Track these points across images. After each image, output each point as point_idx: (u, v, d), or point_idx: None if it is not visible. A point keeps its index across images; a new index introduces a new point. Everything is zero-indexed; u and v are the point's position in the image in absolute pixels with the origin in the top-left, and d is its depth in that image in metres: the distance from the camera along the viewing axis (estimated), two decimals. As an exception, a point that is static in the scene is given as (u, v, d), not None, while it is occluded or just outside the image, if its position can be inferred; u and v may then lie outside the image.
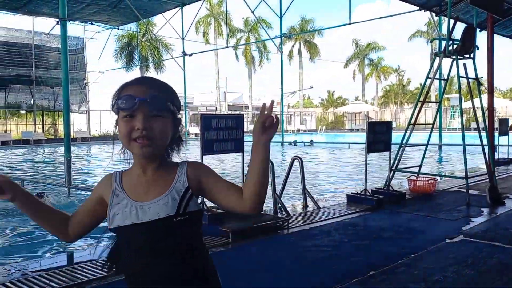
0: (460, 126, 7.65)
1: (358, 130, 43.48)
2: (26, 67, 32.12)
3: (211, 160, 17.38)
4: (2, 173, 13.72)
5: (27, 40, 32.25)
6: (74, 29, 33.32)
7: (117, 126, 1.37)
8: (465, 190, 7.11)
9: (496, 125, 13.55)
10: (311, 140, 26.30)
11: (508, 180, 9.29)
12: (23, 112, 35.63)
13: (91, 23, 25.39)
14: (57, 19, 9.61)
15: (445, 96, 42.00)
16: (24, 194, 1.40)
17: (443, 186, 8.48)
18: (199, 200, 1.44)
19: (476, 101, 7.74)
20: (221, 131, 5.21)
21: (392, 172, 7.47)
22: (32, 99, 32.66)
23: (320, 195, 8.26)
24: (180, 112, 1.44)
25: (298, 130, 44.10)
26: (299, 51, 50.40)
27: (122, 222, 1.33)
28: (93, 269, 3.81)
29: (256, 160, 1.29)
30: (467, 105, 38.78)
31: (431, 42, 36.91)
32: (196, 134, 34.06)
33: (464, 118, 36.21)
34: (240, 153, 5.66)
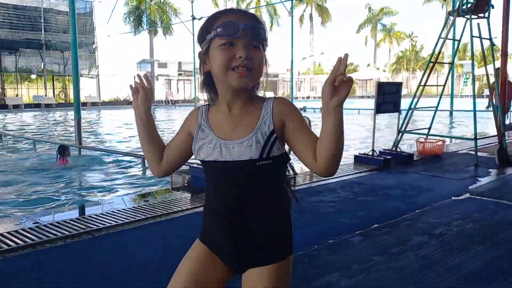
0: (472, 94, 7.56)
1: (369, 97, 43.06)
2: (36, 31, 32.05)
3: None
4: (14, 134, 13.89)
5: (36, 3, 32.04)
6: (83, -8, 32.93)
7: (205, 59, 1.33)
8: (474, 153, 7.08)
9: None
10: (321, 108, 26.15)
11: (518, 144, 9.20)
12: (33, 77, 35.76)
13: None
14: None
15: (458, 62, 41.25)
16: (150, 111, 1.46)
17: (452, 149, 8.46)
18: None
19: (490, 67, 7.61)
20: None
21: (400, 133, 7.44)
22: (42, 63, 32.70)
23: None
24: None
25: (308, 97, 43.83)
26: (310, 16, 49.55)
27: (206, 157, 1.32)
28: (103, 219, 3.90)
29: (327, 125, 1.20)
30: (480, 71, 38.13)
31: (445, 0, 36.14)
32: (205, 100, 34.01)
33: (477, 85, 35.44)
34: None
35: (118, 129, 15.94)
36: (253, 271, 1.35)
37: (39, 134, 14.28)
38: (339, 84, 1.15)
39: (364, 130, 14.47)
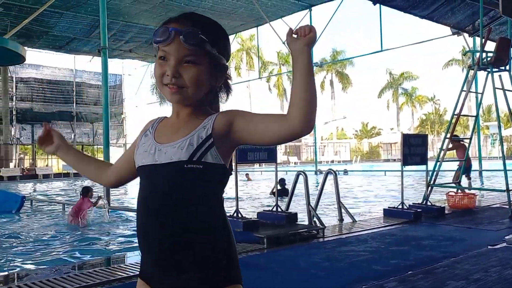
0: (500, 155, 7.48)
1: (394, 160, 42.62)
2: (68, 103, 33.54)
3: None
4: (44, 199, 14.11)
5: (69, 78, 33.80)
6: (112, 66, 34.66)
7: None
8: (507, 206, 6.88)
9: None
10: (345, 169, 25.86)
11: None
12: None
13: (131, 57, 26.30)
14: (98, 53, 10.16)
15: (484, 124, 41.06)
16: (67, 147, 1.52)
17: (484, 204, 8.23)
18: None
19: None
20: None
21: (429, 187, 7.32)
22: (73, 134, 33.90)
23: (356, 212, 8.15)
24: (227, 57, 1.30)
25: (332, 161, 43.73)
26: (331, 82, 50.62)
27: (141, 162, 1.26)
28: (129, 268, 3.89)
29: (297, 72, 1.12)
30: (508, 132, 37.77)
31: (464, 55, 36.57)
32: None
33: (506, 146, 34.90)
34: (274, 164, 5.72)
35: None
36: None
37: (68, 199, 14.51)
38: (300, 34, 1.13)
39: (391, 190, 14.26)
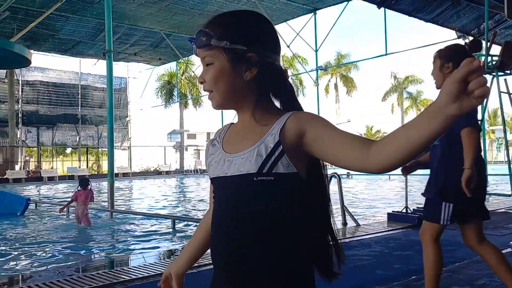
0: (506, 159, 7.45)
1: (398, 164, 42.42)
2: (73, 106, 33.71)
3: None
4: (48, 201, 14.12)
5: (74, 80, 33.98)
6: (117, 69, 34.83)
7: None
8: (512, 211, 6.86)
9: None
10: (348, 173, 25.74)
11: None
12: (68, 151, 37.10)
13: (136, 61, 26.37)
14: (103, 56, 10.30)
15: (489, 129, 40.95)
16: (184, 263, 1.35)
17: (489, 209, 8.16)
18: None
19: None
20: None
21: (434, 191, 7.27)
22: (78, 137, 34.05)
23: (360, 216, 8.13)
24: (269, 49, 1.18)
25: (337, 165, 43.62)
26: (336, 86, 50.61)
27: (212, 174, 1.20)
28: (134, 271, 3.89)
29: (423, 125, 0.89)
30: (512, 137, 37.68)
31: None
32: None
33: (511, 151, 34.98)
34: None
35: (148, 196, 16.17)
36: None
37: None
38: (471, 88, 0.81)
39: (396, 193, 14.21)
